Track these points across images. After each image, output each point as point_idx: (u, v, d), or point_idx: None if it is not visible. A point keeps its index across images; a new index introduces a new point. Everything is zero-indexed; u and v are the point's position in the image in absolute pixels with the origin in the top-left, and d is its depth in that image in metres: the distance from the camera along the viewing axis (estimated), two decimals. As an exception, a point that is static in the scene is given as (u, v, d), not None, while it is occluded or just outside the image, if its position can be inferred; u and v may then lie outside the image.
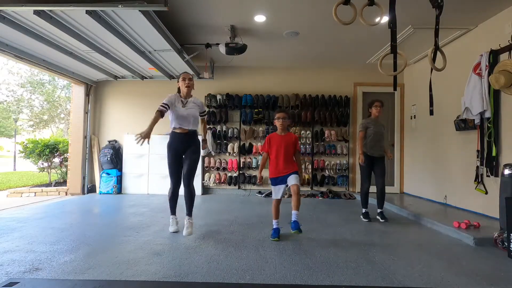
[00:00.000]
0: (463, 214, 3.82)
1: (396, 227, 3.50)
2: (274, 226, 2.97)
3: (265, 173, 5.79)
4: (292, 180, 2.85)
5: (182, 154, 3.09)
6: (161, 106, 2.92)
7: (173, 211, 3.20)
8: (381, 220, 3.66)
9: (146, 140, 2.65)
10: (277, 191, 2.96)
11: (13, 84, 16.25)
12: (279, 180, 2.94)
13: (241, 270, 2.17)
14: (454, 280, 2.08)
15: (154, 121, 2.79)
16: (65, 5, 2.84)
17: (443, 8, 2.03)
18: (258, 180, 3.09)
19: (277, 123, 3.03)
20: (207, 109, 3.22)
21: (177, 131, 3.04)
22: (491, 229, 3.07)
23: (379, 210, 3.75)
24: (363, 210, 3.78)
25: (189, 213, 3.12)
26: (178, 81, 3.13)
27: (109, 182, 5.63)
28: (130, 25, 3.39)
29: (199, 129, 3.23)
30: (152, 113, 2.95)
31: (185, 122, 3.03)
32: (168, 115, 3.04)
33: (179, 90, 3.15)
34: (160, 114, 2.88)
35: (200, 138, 3.22)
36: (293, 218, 2.76)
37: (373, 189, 3.77)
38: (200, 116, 3.22)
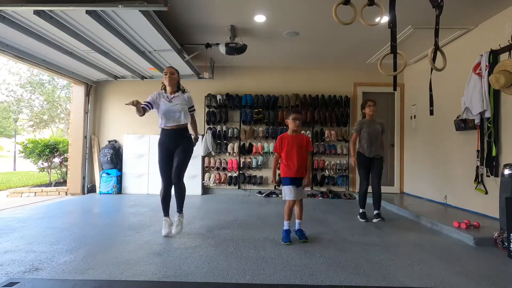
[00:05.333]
0: (463, 214, 3.82)
1: (396, 227, 3.50)
2: (286, 228, 2.86)
3: (267, 173, 5.81)
4: (298, 194, 2.88)
5: (173, 152, 2.98)
6: (144, 103, 2.90)
7: (166, 212, 3.05)
8: (375, 220, 3.63)
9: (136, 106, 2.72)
10: (290, 192, 2.85)
11: (13, 84, 16.26)
12: (291, 180, 2.87)
13: (241, 270, 2.17)
14: (454, 280, 2.08)
15: (139, 108, 2.84)
16: (65, 5, 2.84)
17: (443, 8, 2.03)
18: (273, 182, 3.04)
19: (292, 123, 2.92)
20: (194, 105, 3.14)
21: (166, 128, 2.97)
22: (491, 229, 3.07)
23: (375, 212, 3.72)
24: (360, 211, 3.77)
25: (180, 209, 3.06)
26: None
27: (109, 182, 5.63)
28: (130, 25, 3.39)
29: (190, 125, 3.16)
30: (152, 113, 3.00)
31: (170, 119, 2.94)
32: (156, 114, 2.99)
33: (164, 87, 3.07)
34: (143, 110, 2.89)
35: (192, 136, 3.13)
36: (297, 227, 2.97)
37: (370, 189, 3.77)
38: (189, 111, 3.08)
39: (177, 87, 3.07)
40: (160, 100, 2.98)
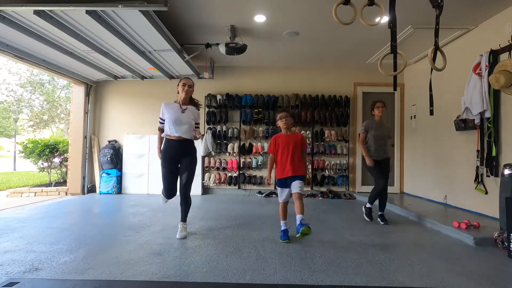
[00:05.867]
0: (463, 214, 3.82)
1: (396, 227, 3.50)
2: (283, 228, 2.90)
3: (266, 173, 5.80)
4: (295, 187, 2.80)
5: (178, 163, 2.98)
6: (159, 123, 3.08)
7: (183, 218, 3.05)
8: (381, 223, 3.62)
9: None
10: (282, 194, 2.89)
11: (13, 84, 16.25)
12: (285, 182, 2.86)
13: (241, 270, 2.18)
14: (454, 280, 2.08)
15: (160, 141, 3.10)
16: (65, 5, 2.84)
17: (443, 8, 2.03)
18: (267, 182, 3.02)
19: (280, 123, 2.94)
20: (199, 123, 3.19)
21: (172, 138, 2.92)
22: (491, 229, 3.07)
23: (380, 213, 3.70)
24: (367, 205, 3.72)
25: (184, 219, 3.03)
26: (178, 85, 3.02)
27: (109, 182, 5.63)
28: (130, 25, 3.39)
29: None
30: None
31: (180, 129, 2.91)
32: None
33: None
34: (162, 131, 3.05)
35: (195, 142, 3.12)
36: (298, 222, 2.76)
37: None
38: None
39: (190, 100, 3.08)
40: (170, 109, 2.95)
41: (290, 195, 2.89)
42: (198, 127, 3.13)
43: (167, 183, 2.97)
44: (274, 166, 3.01)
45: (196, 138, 3.06)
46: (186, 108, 2.98)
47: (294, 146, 2.88)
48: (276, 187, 2.96)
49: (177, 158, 2.96)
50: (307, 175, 3.09)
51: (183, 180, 2.96)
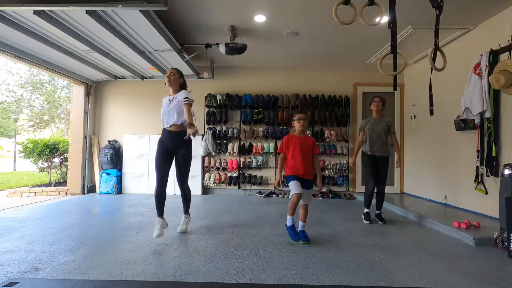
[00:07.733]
0: (463, 214, 3.82)
1: (396, 227, 3.50)
2: (289, 224, 2.85)
3: (267, 173, 5.81)
4: (304, 198, 2.81)
5: (172, 153, 3.00)
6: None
7: (159, 212, 2.94)
8: (379, 222, 3.63)
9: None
10: (295, 186, 2.76)
11: (13, 85, 16.24)
12: (296, 178, 2.81)
13: (241, 270, 2.17)
14: (454, 280, 2.08)
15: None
16: (65, 5, 2.84)
17: (443, 8, 2.03)
18: (276, 184, 2.90)
19: (297, 124, 2.89)
20: (189, 97, 2.92)
21: (166, 128, 3.00)
22: (491, 229, 3.07)
23: (377, 212, 3.71)
24: (365, 211, 3.73)
25: (186, 210, 3.16)
26: None
27: (109, 182, 5.62)
28: (130, 25, 3.39)
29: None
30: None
31: (167, 117, 2.95)
32: None
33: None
34: None
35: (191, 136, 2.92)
36: (300, 228, 2.90)
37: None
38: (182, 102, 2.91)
39: (181, 87, 3.08)
40: (163, 102, 3.04)
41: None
42: (187, 100, 2.86)
43: (158, 168, 2.95)
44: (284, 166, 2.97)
45: (192, 130, 2.69)
46: (173, 98, 3.00)
47: (306, 150, 2.87)
48: (288, 182, 2.84)
49: (170, 148, 2.98)
50: (321, 180, 2.99)
51: (177, 172, 3.04)
